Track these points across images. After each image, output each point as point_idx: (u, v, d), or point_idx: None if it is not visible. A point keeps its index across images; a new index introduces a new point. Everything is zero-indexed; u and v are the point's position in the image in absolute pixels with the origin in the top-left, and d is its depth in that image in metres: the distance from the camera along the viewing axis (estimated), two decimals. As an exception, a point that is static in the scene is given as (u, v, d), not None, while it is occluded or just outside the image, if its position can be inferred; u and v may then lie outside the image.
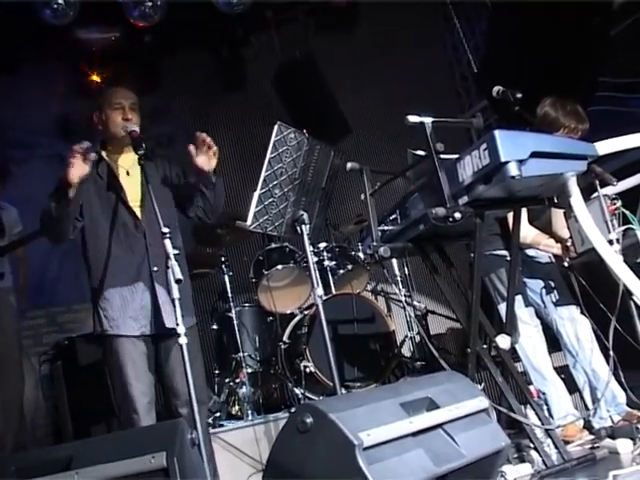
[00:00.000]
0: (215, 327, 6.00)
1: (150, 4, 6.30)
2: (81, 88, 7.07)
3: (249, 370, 5.54)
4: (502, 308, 4.14)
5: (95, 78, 7.08)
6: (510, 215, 3.98)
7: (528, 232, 4.31)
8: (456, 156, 3.28)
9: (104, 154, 3.97)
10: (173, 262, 3.24)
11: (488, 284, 4.51)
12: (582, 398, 4.43)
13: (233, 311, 5.71)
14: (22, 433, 5.58)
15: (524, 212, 4.15)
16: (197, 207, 3.99)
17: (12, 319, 5.61)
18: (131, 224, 3.82)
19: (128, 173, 3.93)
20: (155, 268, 3.73)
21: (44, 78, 6.97)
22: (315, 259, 5.75)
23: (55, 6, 5.97)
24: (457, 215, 3.17)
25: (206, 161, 3.81)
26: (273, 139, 3.90)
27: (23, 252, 5.88)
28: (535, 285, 4.45)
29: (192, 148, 3.78)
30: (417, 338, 6.29)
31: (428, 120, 3.34)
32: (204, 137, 3.79)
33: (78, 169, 3.58)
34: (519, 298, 4.32)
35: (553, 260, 4.51)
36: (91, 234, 3.85)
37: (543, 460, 3.37)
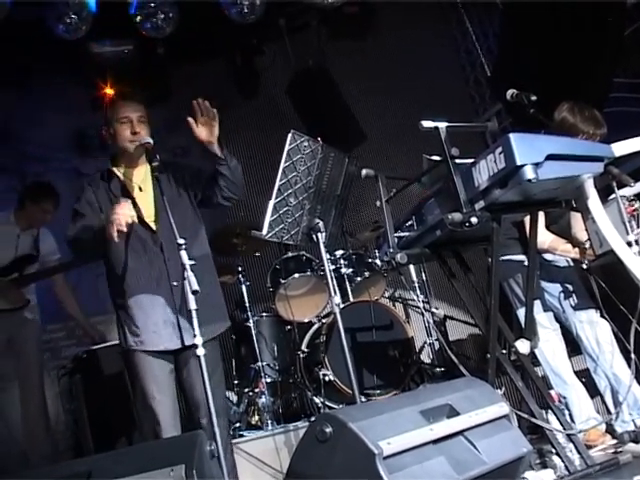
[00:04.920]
0: (233, 337, 6.00)
1: (162, 16, 6.32)
2: (96, 101, 7.10)
3: (268, 380, 5.51)
4: (521, 313, 4.11)
5: (109, 91, 7.09)
6: (527, 219, 3.96)
7: (545, 238, 4.28)
8: (471, 161, 3.26)
9: (115, 170, 3.95)
10: (189, 273, 3.23)
11: (506, 289, 4.49)
12: (604, 402, 4.40)
13: (251, 321, 5.71)
14: (46, 448, 5.59)
15: (541, 217, 4.13)
16: (220, 189, 3.86)
17: (36, 337, 5.64)
18: (149, 239, 3.79)
19: (141, 189, 3.89)
20: (175, 283, 3.69)
21: (59, 92, 7.00)
22: (332, 267, 5.74)
23: (68, 21, 6.00)
24: (473, 220, 3.16)
25: (207, 131, 3.75)
26: (287, 147, 3.90)
27: (64, 280, 5.88)
28: (553, 289, 4.42)
29: (191, 120, 3.72)
30: (436, 344, 6.26)
31: (442, 125, 3.33)
32: (199, 102, 3.73)
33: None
34: (537, 302, 4.29)
35: (571, 264, 4.48)
36: (111, 252, 3.81)
37: (566, 466, 3.33)
